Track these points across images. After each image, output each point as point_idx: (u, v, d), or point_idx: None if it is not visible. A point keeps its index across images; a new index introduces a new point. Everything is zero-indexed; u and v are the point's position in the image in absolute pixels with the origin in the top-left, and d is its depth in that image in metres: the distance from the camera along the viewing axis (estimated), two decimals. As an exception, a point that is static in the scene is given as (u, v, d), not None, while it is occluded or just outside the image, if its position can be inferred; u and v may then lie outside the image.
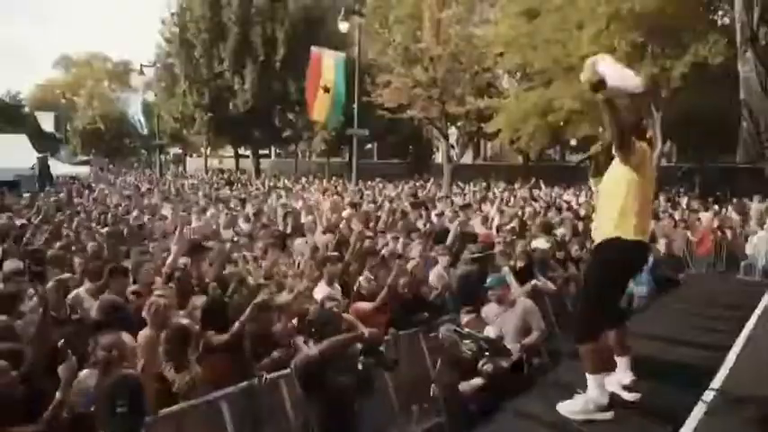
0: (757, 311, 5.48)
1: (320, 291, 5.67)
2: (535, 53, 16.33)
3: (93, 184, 24.24)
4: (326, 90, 22.39)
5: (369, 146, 41.09)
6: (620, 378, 3.72)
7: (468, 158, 40.20)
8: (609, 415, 3.40)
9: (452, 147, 24.81)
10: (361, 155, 46.29)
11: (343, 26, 23.52)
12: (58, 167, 30.18)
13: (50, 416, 3.21)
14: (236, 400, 4.17)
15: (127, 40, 79.04)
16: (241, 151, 37.33)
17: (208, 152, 38.21)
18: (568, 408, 3.44)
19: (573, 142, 34.57)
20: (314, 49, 22.87)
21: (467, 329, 4.77)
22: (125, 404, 2.90)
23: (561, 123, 16.87)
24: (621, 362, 3.75)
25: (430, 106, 23.29)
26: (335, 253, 6.34)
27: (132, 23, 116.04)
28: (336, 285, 5.87)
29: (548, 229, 8.86)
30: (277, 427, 4.39)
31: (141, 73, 34.95)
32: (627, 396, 3.65)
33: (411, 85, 22.91)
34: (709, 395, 3.56)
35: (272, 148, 42.66)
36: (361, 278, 5.74)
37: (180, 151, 47.88)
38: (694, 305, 6.08)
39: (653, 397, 3.67)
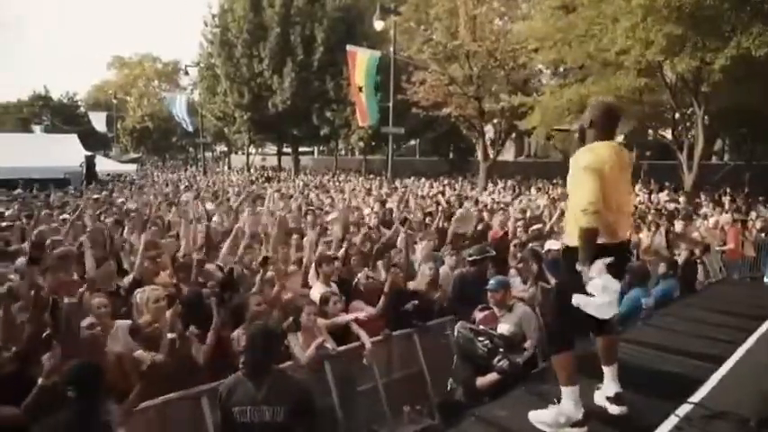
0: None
1: (316, 290, 5.75)
2: (569, 49, 15.90)
3: (137, 182, 25.18)
4: (360, 89, 22.66)
5: (412, 142, 41.14)
6: (605, 389, 3.57)
7: (510, 155, 39.67)
8: (581, 431, 3.25)
9: (489, 144, 24.48)
10: (404, 152, 46.67)
11: (379, 24, 23.67)
12: (109, 165, 31.69)
13: (31, 401, 3.34)
14: (216, 394, 4.25)
15: (177, 39, 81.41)
16: (284, 149, 38.05)
17: (250, 150, 39.11)
18: (539, 417, 3.31)
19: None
20: (349, 47, 23.11)
21: (481, 326, 4.74)
22: (75, 389, 3.01)
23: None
24: (607, 372, 3.59)
25: (466, 103, 23.10)
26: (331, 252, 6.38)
27: (183, 23, 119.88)
28: (333, 285, 5.93)
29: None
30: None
31: (186, 73, 36.19)
32: (612, 409, 3.49)
33: (446, 83, 22.79)
34: (684, 409, 3.41)
35: (316, 146, 43.28)
36: (360, 275, 5.77)
37: (225, 149, 49.22)
38: (705, 313, 5.81)
39: (633, 411, 3.53)
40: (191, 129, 36.15)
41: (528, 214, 10.62)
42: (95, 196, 15.58)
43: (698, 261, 8.52)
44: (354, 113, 24.26)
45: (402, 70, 24.83)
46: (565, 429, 3.26)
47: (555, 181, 23.72)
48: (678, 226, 10.99)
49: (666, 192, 18.22)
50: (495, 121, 23.36)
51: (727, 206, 14.92)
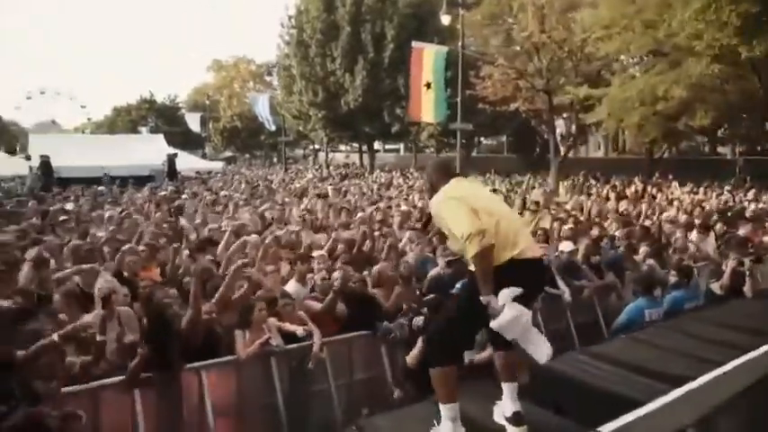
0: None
1: (289, 288, 5.75)
2: (633, 35, 14.73)
3: (219, 177, 26.49)
4: (428, 86, 22.38)
5: (503, 139, 40.32)
6: (503, 408, 3.27)
7: (599, 152, 37.78)
8: None
9: (560, 139, 23.33)
10: (492, 149, 45.66)
11: (446, 19, 23.33)
12: (201, 163, 33.92)
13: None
14: (151, 386, 4.36)
15: (271, 41, 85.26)
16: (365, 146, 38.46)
17: (339, 147, 39.96)
18: None
19: (719, 133, 30.85)
20: (415, 44, 22.91)
21: None
22: None
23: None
24: (506, 389, 3.27)
25: (534, 98, 22.17)
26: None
27: (276, 25, 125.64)
28: (309, 283, 5.90)
29: (577, 233, 8.13)
30: (196, 416, 4.52)
31: (269, 74, 37.62)
32: (510, 430, 3.19)
33: (514, 77, 22.00)
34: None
35: (389, 143, 43.65)
36: (316, 276, 5.70)
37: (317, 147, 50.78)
38: (709, 327, 5.10)
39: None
40: (273, 128, 37.52)
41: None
42: (162, 193, 16.67)
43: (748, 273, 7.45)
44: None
45: (471, 65, 24.29)
46: None
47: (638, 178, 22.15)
48: (744, 229, 9.86)
49: (753, 191, 16.35)
50: (565, 115, 22.18)
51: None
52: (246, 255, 6.81)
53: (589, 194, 16.27)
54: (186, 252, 6.58)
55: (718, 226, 9.57)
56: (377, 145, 50.30)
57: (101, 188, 17.96)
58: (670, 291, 6.13)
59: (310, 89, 31.24)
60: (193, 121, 47.03)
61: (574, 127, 23.11)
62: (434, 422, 3.08)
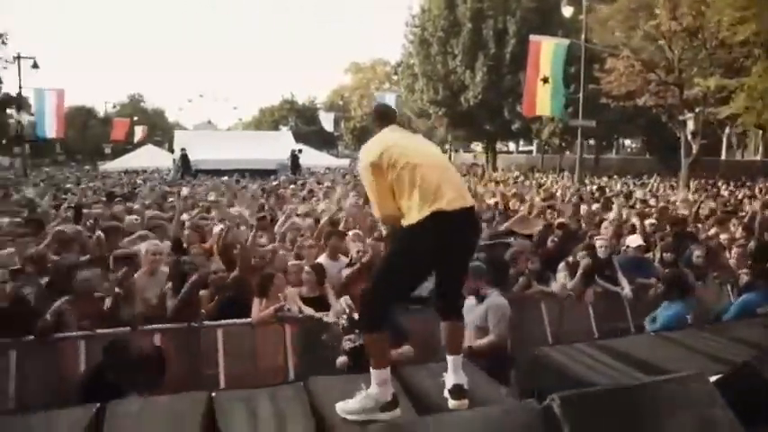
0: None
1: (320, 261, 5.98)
2: (771, 15, 12.86)
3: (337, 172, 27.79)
4: (545, 81, 21.51)
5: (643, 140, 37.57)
6: (447, 381, 3.16)
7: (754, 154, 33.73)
8: (391, 414, 2.87)
9: (691, 137, 20.99)
10: (636, 151, 42.61)
11: (567, 11, 22.39)
12: (332, 161, 35.97)
13: None
14: (173, 336, 4.82)
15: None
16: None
17: (452, 147, 39.80)
18: (346, 408, 2.94)
19: None
20: (533, 37, 22.15)
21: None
22: None
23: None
24: (450, 361, 3.14)
25: (665, 92, 20.21)
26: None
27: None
28: (342, 258, 6.06)
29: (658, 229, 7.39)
30: (211, 368, 4.89)
31: (395, 73, 38.45)
32: (451, 403, 3.07)
33: (639, 70, 20.25)
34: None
35: (534, 145, 42.42)
36: (352, 251, 5.83)
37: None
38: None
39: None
40: (398, 127, 38.22)
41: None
42: (274, 183, 17.94)
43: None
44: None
45: (596, 59, 22.88)
46: (374, 414, 2.96)
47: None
48: None
49: None
50: (697, 109, 19.91)
51: None
52: (302, 234, 7.28)
53: (716, 196, 14.64)
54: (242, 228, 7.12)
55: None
56: (511, 146, 49.31)
57: (224, 178, 19.78)
58: (742, 292, 5.42)
59: (431, 87, 31.44)
60: (327, 121, 49.52)
61: (708, 123, 20.66)
62: (362, 386, 3.04)
